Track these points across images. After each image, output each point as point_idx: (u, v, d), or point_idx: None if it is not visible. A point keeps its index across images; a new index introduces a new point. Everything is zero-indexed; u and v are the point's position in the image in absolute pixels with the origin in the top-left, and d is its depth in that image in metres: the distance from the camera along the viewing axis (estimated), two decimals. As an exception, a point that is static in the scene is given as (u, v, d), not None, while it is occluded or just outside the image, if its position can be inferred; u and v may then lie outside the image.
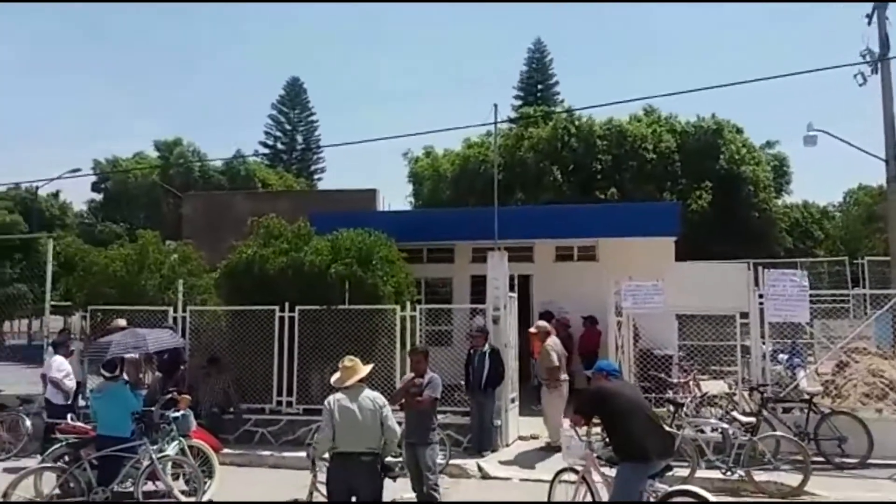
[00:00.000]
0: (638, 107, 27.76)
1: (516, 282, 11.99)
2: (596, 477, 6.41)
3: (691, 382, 11.61)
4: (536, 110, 31.32)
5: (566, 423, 6.13)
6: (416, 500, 6.25)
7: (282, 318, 11.04)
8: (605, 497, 6.23)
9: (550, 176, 25.34)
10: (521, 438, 11.11)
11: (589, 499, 6.42)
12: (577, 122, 26.61)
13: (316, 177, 56.73)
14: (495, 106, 13.86)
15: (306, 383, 11.02)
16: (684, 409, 9.12)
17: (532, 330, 11.12)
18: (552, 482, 6.88)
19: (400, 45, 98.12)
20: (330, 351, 10.53)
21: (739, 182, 25.99)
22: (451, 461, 9.38)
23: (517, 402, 11.38)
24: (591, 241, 15.79)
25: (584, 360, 14.09)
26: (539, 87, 46.61)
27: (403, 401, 7.16)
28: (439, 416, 7.51)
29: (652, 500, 5.74)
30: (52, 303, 12.47)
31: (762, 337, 10.07)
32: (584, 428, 6.39)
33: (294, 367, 10.95)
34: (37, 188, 34.38)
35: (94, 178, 37.13)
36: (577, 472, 6.59)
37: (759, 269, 10.26)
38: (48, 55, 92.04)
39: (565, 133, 26.24)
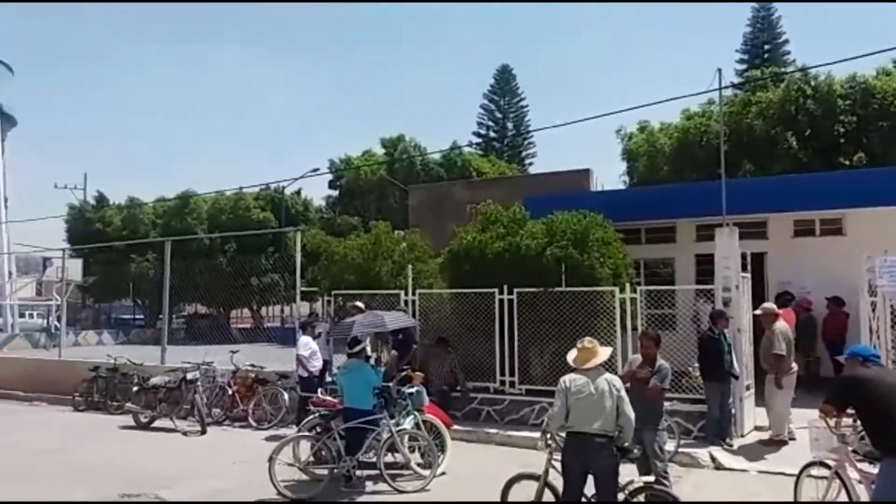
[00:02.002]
0: (886, 58, 24.28)
1: (749, 260, 11.14)
2: (852, 473, 5.76)
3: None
4: (764, 72, 28.70)
5: (816, 413, 5.57)
6: (653, 482, 6.08)
7: (501, 301, 11.27)
8: (863, 497, 5.59)
9: (783, 143, 23.13)
10: (757, 429, 10.34)
11: (844, 497, 5.81)
12: (812, 82, 23.92)
13: (527, 162, 57.13)
14: (719, 71, 12.80)
15: (527, 364, 11.19)
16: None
17: (756, 312, 10.22)
18: (798, 476, 6.30)
19: (609, 16, 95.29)
20: (548, 333, 10.62)
21: None
22: (682, 450, 9.01)
23: (752, 391, 10.61)
24: (837, 213, 14.17)
25: (829, 345, 12.81)
26: (766, 47, 42.63)
27: (629, 385, 6.99)
28: (666, 403, 7.20)
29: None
30: (301, 289, 13.95)
31: None
32: (834, 419, 5.77)
33: (515, 348, 11.18)
34: (283, 188, 38.55)
35: (330, 177, 40.75)
36: (828, 466, 5.98)
37: None
38: (292, 71, 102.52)
39: (800, 95, 23.73)
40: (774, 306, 10.28)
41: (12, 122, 41.58)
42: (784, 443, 9.54)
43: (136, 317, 43.55)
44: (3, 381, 16.74)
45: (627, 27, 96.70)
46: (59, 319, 23.56)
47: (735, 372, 9.67)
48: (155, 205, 39.46)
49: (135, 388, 12.79)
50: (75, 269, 27.37)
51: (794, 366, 9.79)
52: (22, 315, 40.86)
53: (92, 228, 38.81)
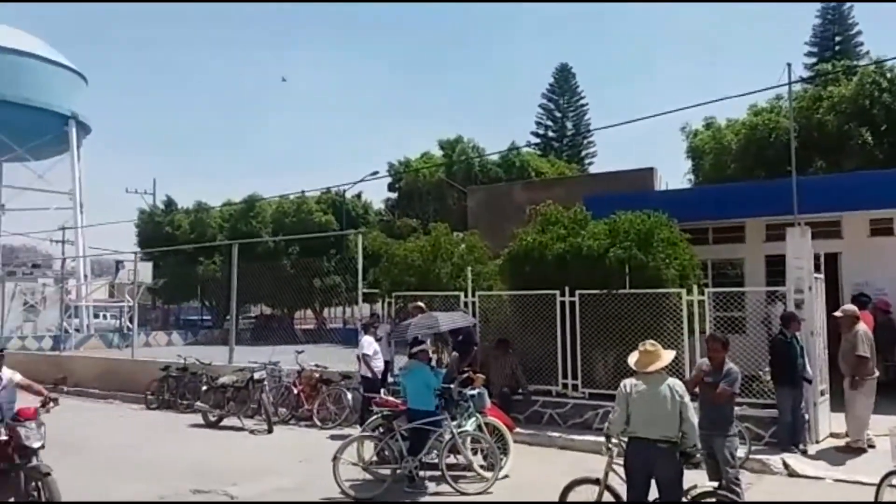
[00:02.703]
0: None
1: (822, 261, 10.71)
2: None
3: None
4: (835, 65, 27.56)
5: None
6: (718, 489, 5.91)
7: (562, 303, 11.14)
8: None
9: (857, 139, 22.11)
10: (833, 435, 9.94)
11: (928, 509, 5.54)
12: (888, 74, 22.88)
13: (587, 161, 56.32)
14: (788, 66, 12.39)
15: (590, 367, 11.03)
16: None
17: (837, 314, 9.82)
18: (879, 486, 6.02)
19: (672, 11, 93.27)
20: (612, 336, 10.42)
21: None
22: (753, 456, 8.74)
23: (827, 396, 10.20)
24: (917, 210, 13.50)
25: (911, 349, 12.21)
26: (836, 39, 40.96)
27: (697, 390, 6.82)
28: (736, 408, 7.00)
29: None
30: (363, 291, 14.12)
31: None
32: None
33: (577, 351, 11.03)
34: (344, 191, 39.14)
35: (389, 179, 41.09)
36: (912, 476, 5.71)
37: None
38: (352, 75, 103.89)
39: (874, 88, 22.65)
40: (855, 308, 9.87)
41: (87, 130, 43.44)
42: (862, 450, 9.13)
43: (204, 318, 44.92)
44: (80, 379, 17.51)
45: (690, 22, 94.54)
46: (131, 320, 24.49)
47: (808, 376, 9.32)
48: (221, 209, 40.61)
49: (204, 388, 13.19)
50: (146, 271, 28.35)
51: (876, 371, 9.37)
52: (96, 316, 42.61)
53: (161, 232, 40.24)
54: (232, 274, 16.01)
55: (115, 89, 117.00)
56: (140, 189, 50.76)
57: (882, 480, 6.03)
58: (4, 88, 37.43)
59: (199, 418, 12.72)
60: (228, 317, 17.51)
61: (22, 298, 33.84)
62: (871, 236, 14.11)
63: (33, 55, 39.75)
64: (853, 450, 9.15)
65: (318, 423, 12.19)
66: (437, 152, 41.86)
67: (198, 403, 12.94)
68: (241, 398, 12.36)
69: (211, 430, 12.24)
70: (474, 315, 11.96)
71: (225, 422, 12.41)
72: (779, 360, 9.25)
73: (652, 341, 5.84)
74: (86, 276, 39.96)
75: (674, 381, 5.60)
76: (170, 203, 44.62)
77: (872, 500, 6.06)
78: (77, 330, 32.88)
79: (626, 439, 5.57)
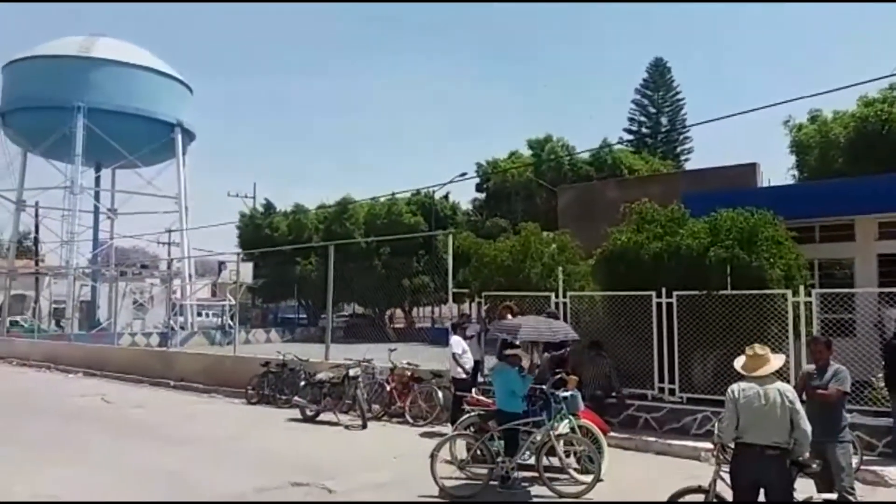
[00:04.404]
0: None
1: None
2: None
3: None
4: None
5: None
6: (835, 499, 5.61)
7: (659, 304, 10.85)
8: None
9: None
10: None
11: None
12: None
13: (682, 158, 54.62)
14: (905, 52, 11.59)
15: (688, 371, 10.68)
16: None
17: None
18: None
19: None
20: (712, 339, 10.07)
21: None
22: (865, 466, 8.23)
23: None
24: None
25: None
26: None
27: (805, 395, 6.48)
28: (847, 416, 6.62)
29: None
30: (452, 290, 14.20)
31: None
32: None
33: (675, 354, 10.69)
34: (433, 192, 39.52)
35: (477, 180, 41.17)
36: None
37: None
38: (439, 77, 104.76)
39: None
40: None
41: (192, 137, 45.74)
42: None
43: (300, 316, 46.40)
44: (185, 374, 18.46)
45: (790, 12, 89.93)
46: (232, 318, 25.60)
47: None
48: (317, 211, 41.84)
49: (301, 383, 13.61)
50: (246, 271, 29.59)
51: None
52: (199, 314, 44.84)
53: (261, 234, 41.90)
54: (329, 274, 16.46)
55: (219, 97, 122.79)
56: (241, 193, 52.97)
57: None
58: (117, 99, 39.94)
59: (296, 413, 13.14)
60: (324, 315, 17.99)
61: (132, 297, 36.05)
62: None
63: (143, 67, 42.20)
64: None
65: (410, 420, 12.36)
66: (526, 152, 41.58)
67: (296, 398, 13.35)
68: (337, 394, 12.68)
69: (308, 424, 12.61)
70: (565, 316, 11.79)
71: (321, 417, 12.76)
72: (895, 365, 8.67)
73: (760, 345, 5.63)
74: (190, 276, 42.11)
75: (784, 386, 5.36)
76: (269, 206, 46.40)
77: None
78: (182, 327, 34.70)
79: (732, 445, 5.36)
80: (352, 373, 12.61)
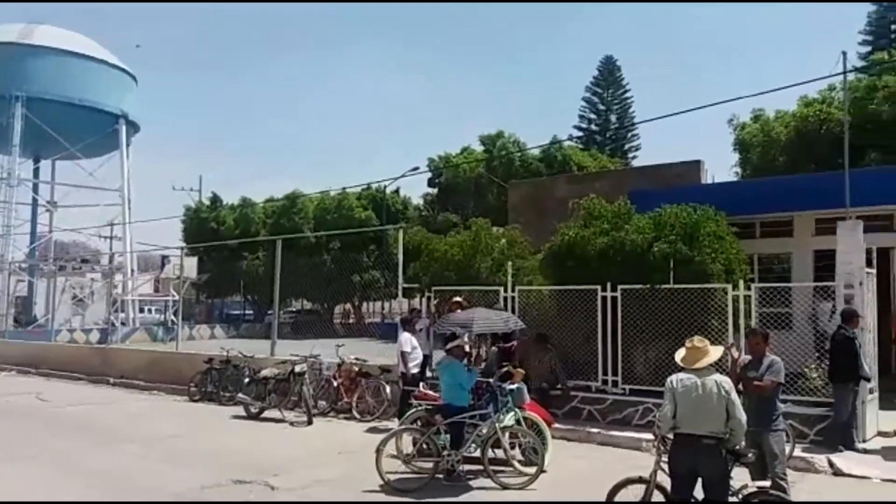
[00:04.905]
0: None
1: (874, 256, 10.34)
2: None
3: None
4: (892, 54, 26.61)
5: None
6: (769, 486, 5.75)
7: (604, 298, 10.99)
8: None
9: (914, 130, 21.36)
10: (881, 434, 9.64)
11: None
12: (948, 63, 22.04)
13: (630, 155, 55.57)
14: (843, 54, 12.01)
15: (630, 364, 10.86)
16: None
17: None
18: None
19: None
20: (654, 332, 10.25)
21: None
22: (797, 454, 8.50)
23: (876, 394, 9.88)
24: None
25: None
26: (893, 27, 39.52)
27: (741, 386, 6.64)
28: (781, 405, 6.82)
29: None
30: (402, 286, 14.12)
31: None
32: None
33: (618, 346, 10.85)
34: (384, 187, 39.31)
35: (429, 175, 41.05)
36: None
37: None
38: (391, 72, 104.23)
39: (933, 77, 21.87)
40: None
41: (136, 129, 44.44)
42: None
43: (246, 312, 45.66)
44: (126, 371, 17.96)
45: (737, 11, 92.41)
46: (175, 314, 24.96)
47: (866, 374, 9.06)
48: (265, 205, 41.17)
49: (246, 380, 13.37)
50: (191, 266, 28.82)
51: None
52: (141, 310, 43.64)
53: (207, 228, 41.03)
54: (276, 269, 16.18)
55: (164, 88, 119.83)
56: (187, 187, 51.67)
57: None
58: (55, 88, 38.44)
59: (240, 410, 12.90)
60: (270, 311, 17.71)
61: (71, 292, 34.83)
62: (927, 230, 13.56)
63: (86, 56, 40.72)
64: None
65: (357, 416, 12.26)
66: (478, 147, 41.69)
67: (240, 395, 13.11)
68: (282, 390, 12.48)
69: (252, 421, 12.39)
70: (514, 310, 11.85)
71: (266, 413, 12.55)
72: (843, 357, 9.01)
73: (700, 337, 5.73)
74: (132, 271, 40.98)
75: (721, 378, 5.48)
76: (215, 200, 45.45)
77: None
78: (123, 323, 33.74)
79: (671, 436, 5.45)
80: (298, 369, 12.43)
